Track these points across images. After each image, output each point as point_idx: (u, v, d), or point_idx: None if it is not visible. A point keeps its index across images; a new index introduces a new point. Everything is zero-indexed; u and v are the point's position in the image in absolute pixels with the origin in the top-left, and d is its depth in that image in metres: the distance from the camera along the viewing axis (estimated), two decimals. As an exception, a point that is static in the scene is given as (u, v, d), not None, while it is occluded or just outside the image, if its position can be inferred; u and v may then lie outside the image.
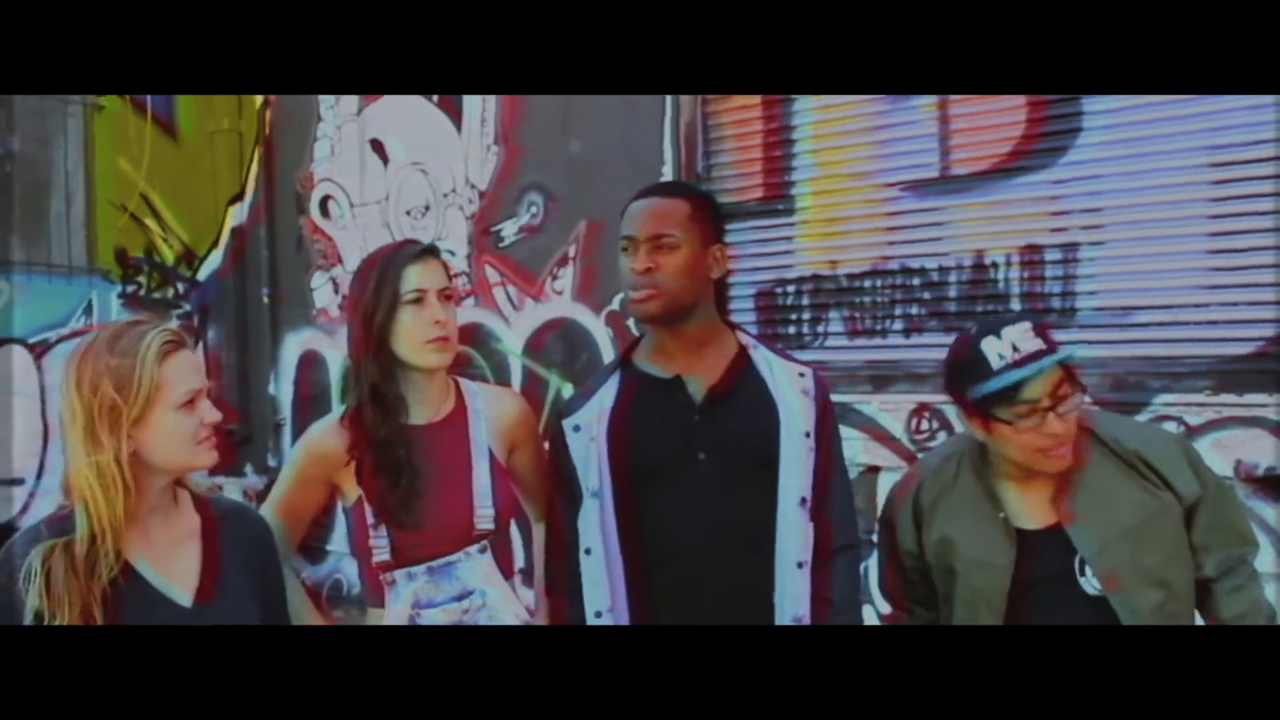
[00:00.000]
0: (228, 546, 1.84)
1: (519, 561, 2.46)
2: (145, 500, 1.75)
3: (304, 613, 2.23)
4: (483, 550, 2.23)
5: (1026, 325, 2.00)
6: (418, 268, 2.20)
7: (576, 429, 2.24)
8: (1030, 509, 2.09)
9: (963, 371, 2.03)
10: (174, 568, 1.79)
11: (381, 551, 2.18)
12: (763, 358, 2.25)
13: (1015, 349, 1.96)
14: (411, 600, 2.18)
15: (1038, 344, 1.97)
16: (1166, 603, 2.01)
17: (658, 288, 2.16)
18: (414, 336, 2.18)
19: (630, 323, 4.34)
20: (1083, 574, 2.03)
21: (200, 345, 6.07)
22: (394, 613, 2.19)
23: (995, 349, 1.97)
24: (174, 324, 1.83)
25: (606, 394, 2.25)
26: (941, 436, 3.67)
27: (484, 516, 2.22)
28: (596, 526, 2.19)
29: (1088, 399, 2.08)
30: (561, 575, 2.27)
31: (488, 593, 2.22)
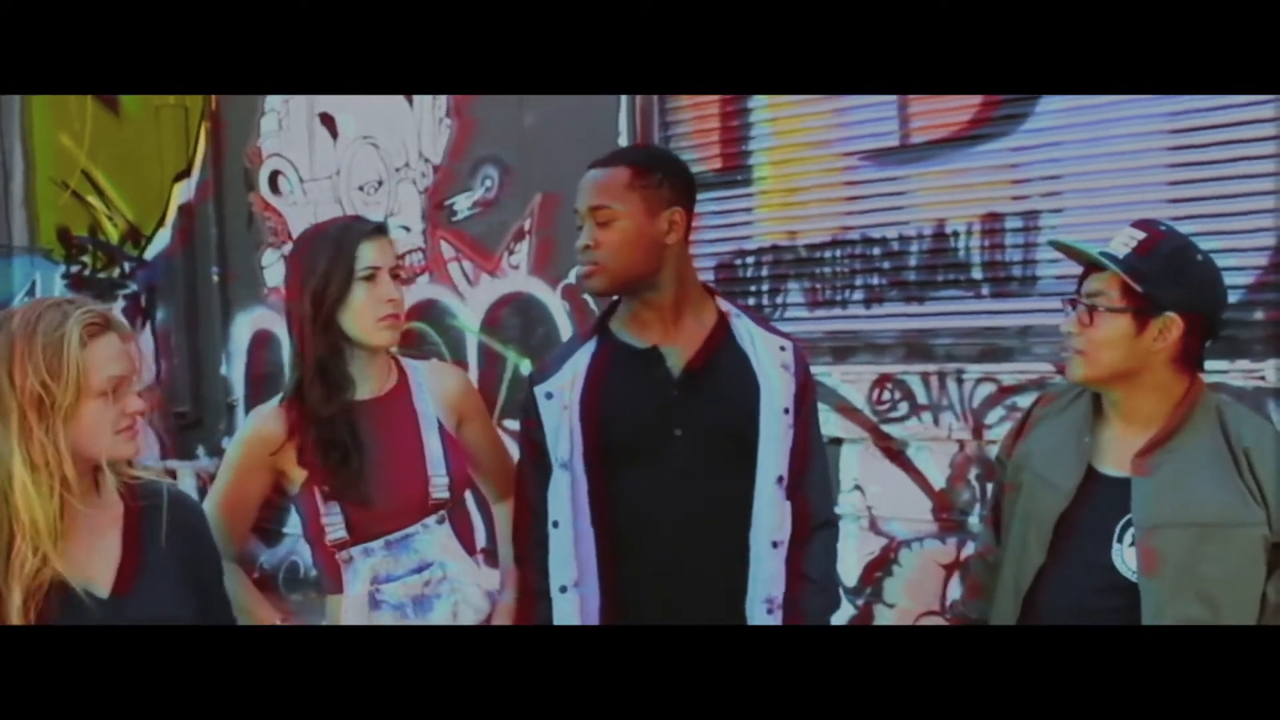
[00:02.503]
0: (152, 534, 1.75)
1: (480, 538, 2.40)
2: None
3: (253, 606, 2.18)
4: (440, 521, 2.19)
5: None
6: (371, 244, 2.16)
7: (549, 396, 2.16)
8: (1115, 453, 1.96)
9: None
10: (92, 559, 1.69)
11: (336, 529, 2.12)
12: (744, 328, 2.18)
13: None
14: (370, 577, 2.14)
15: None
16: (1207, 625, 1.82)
17: (597, 264, 2.09)
18: (366, 314, 2.13)
19: (587, 295, 4.29)
20: (1120, 541, 1.89)
21: (149, 326, 5.95)
22: (352, 594, 2.14)
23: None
24: (109, 304, 1.71)
25: (580, 360, 2.17)
26: (904, 407, 3.65)
27: (438, 485, 2.18)
28: (566, 499, 2.12)
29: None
30: (529, 546, 2.20)
31: (447, 564, 2.18)
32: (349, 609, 2.15)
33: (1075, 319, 1.96)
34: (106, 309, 1.69)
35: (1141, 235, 1.93)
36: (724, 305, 2.22)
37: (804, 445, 2.15)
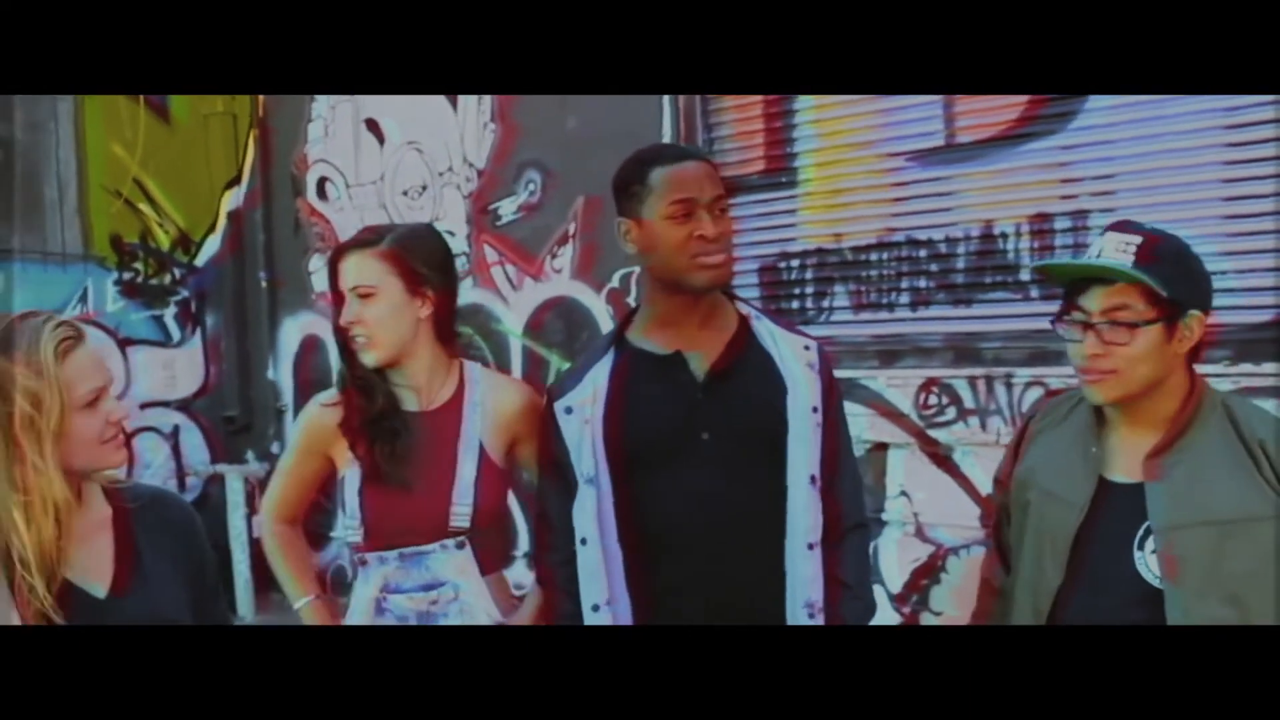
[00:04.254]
0: (143, 534, 1.74)
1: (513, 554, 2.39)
2: None
3: (297, 571, 2.31)
4: (460, 545, 2.17)
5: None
6: (348, 263, 2.20)
7: (569, 411, 2.12)
8: (1124, 459, 1.90)
9: None
10: (85, 561, 1.67)
11: (353, 533, 2.18)
12: (766, 330, 2.15)
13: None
14: (380, 584, 2.18)
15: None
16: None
17: (728, 253, 2.09)
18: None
19: (630, 299, 4.27)
20: (1141, 548, 1.82)
21: (199, 331, 6.02)
22: (361, 593, 2.19)
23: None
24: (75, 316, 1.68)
25: (600, 373, 2.13)
26: (951, 412, 3.60)
27: (459, 514, 2.15)
28: (593, 515, 2.07)
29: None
30: (554, 568, 2.16)
31: (460, 585, 2.17)
32: (355, 609, 2.20)
33: (1098, 340, 1.85)
34: (72, 319, 1.66)
35: (1137, 240, 1.84)
36: (743, 308, 2.20)
37: (833, 446, 2.12)
